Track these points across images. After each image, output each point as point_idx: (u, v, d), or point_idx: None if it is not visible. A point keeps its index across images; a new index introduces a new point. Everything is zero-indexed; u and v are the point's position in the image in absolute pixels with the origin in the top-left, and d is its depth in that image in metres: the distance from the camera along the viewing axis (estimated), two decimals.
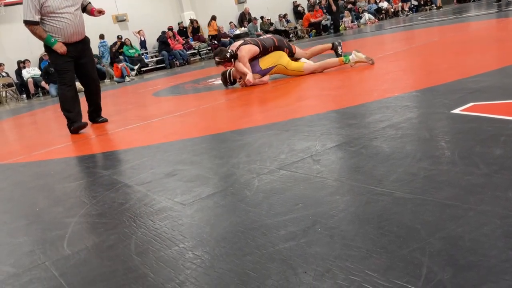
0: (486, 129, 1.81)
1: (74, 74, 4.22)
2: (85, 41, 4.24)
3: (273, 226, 1.32)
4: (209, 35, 15.96)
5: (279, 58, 4.83)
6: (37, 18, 3.90)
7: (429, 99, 2.55)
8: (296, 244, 1.19)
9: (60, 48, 4.01)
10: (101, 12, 4.26)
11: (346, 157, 1.85)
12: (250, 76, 4.71)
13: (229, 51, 4.88)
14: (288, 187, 1.62)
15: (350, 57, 4.60)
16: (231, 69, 5.07)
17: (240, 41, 5.07)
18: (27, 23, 3.90)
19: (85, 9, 4.27)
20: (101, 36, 13.83)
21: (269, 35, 5.36)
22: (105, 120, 4.47)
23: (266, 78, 4.85)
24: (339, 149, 1.97)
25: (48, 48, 4.07)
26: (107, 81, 13.48)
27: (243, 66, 4.80)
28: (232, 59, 4.87)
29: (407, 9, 18.40)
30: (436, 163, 1.56)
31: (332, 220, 1.28)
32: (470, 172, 1.42)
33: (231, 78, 5.11)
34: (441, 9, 17.80)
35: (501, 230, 1.06)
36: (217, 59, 4.97)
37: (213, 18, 16.02)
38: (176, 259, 1.25)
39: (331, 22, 16.24)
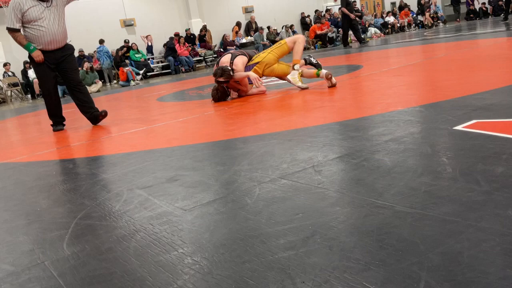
0: (488, 147, 1.82)
1: (55, 81, 4.48)
2: (65, 48, 4.41)
3: (273, 235, 1.33)
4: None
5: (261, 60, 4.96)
6: (17, 25, 4.17)
7: (432, 114, 2.56)
8: (295, 254, 1.19)
9: (37, 56, 4.24)
10: None
11: (347, 169, 1.86)
12: (253, 75, 4.64)
13: (230, 68, 4.71)
14: (289, 196, 1.63)
15: (293, 75, 4.75)
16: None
17: (227, 55, 4.96)
18: (9, 29, 4.19)
19: None
20: (101, 41, 13.48)
21: (239, 50, 5.40)
22: (101, 113, 4.50)
23: (263, 88, 4.94)
24: (341, 160, 1.97)
25: (30, 57, 4.30)
26: (114, 84, 13.55)
27: (242, 73, 4.77)
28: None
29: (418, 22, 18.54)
30: (437, 178, 1.56)
31: (332, 231, 1.29)
32: (471, 189, 1.43)
33: (229, 91, 4.91)
34: (447, 25, 17.88)
35: (500, 247, 1.06)
36: (222, 79, 4.67)
37: (237, 24, 16.63)
38: (175, 264, 1.25)
39: (337, 34, 16.32)
